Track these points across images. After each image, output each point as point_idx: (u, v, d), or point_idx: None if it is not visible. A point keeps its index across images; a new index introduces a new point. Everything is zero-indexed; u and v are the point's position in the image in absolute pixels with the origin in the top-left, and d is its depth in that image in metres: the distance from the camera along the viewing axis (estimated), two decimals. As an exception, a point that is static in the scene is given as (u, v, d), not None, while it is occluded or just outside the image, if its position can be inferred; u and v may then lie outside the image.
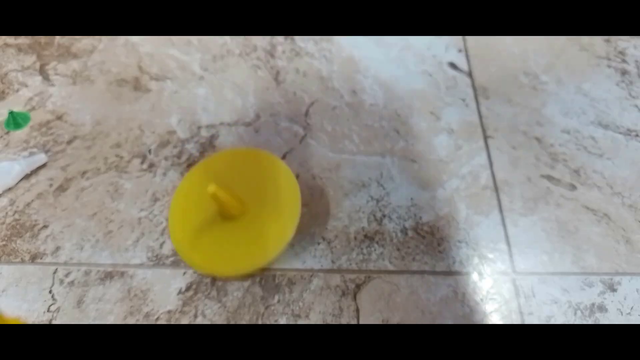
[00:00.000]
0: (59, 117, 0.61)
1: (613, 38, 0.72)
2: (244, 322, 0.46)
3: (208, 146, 0.59)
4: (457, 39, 0.71)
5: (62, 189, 0.55)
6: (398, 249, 0.51)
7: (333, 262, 0.50)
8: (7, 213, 0.53)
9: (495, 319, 0.47)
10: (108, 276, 0.48)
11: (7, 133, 0.59)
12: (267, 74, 0.67)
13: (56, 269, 0.49)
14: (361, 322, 0.46)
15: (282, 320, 0.46)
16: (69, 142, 0.59)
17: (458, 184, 0.56)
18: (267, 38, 0.71)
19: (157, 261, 0.49)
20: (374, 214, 0.53)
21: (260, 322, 0.46)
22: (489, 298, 0.48)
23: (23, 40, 0.70)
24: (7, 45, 0.69)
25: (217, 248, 0.47)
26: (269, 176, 0.52)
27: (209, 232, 0.48)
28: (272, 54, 0.69)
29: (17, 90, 0.64)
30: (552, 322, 0.46)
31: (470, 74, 0.67)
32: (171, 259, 0.50)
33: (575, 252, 0.51)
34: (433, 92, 0.65)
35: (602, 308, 0.47)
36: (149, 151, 0.58)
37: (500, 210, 0.54)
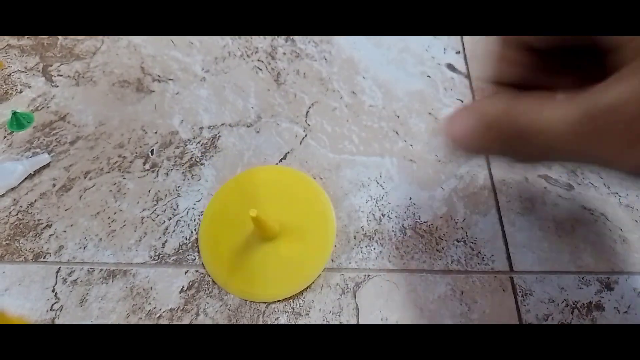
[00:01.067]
0: (62, 118, 0.62)
1: (610, 40, 0.72)
2: (245, 320, 0.46)
3: (210, 146, 0.60)
4: (455, 41, 0.72)
5: (65, 188, 0.55)
6: (397, 248, 0.51)
7: (333, 260, 0.50)
8: (10, 213, 0.53)
9: (493, 317, 0.47)
10: (111, 275, 0.49)
11: (11, 134, 0.60)
12: (268, 75, 0.67)
13: (59, 268, 0.50)
14: (361, 320, 0.47)
15: (283, 319, 0.46)
16: (72, 142, 0.60)
17: (456, 184, 0.57)
18: (268, 40, 0.71)
19: (160, 260, 0.50)
20: (373, 214, 0.54)
21: (261, 321, 0.46)
22: (486, 296, 0.48)
23: (26, 41, 0.70)
24: (10, 46, 0.70)
25: (257, 272, 0.46)
26: (299, 193, 0.52)
27: (246, 255, 0.47)
28: (273, 56, 0.70)
29: (21, 91, 0.64)
30: (550, 320, 0.47)
31: (468, 75, 0.68)
32: (173, 257, 0.50)
33: (573, 251, 0.52)
34: (432, 93, 0.66)
35: (599, 307, 0.48)
36: (152, 152, 0.59)
37: (498, 210, 0.55)
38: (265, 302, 0.46)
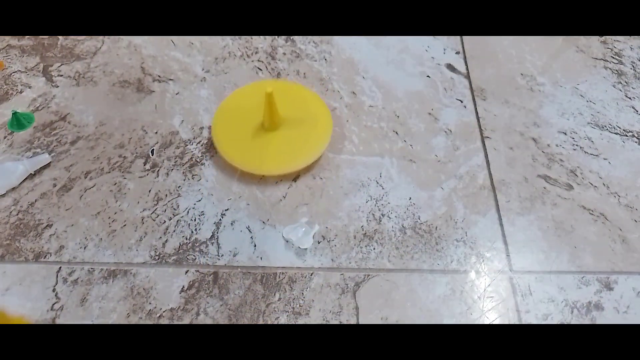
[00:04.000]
0: (63, 118, 0.62)
1: (609, 39, 0.73)
2: (245, 320, 0.46)
3: (210, 147, 0.60)
4: (455, 41, 0.72)
5: (65, 188, 0.56)
6: (397, 248, 0.51)
7: (333, 260, 0.50)
8: (10, 212, 0.54)
9: (492, 317, 0.47)
10: (111, 275, 0.49)
11: (11, 134, 0.60)
12: (268, 75, 0.67)
13: (60, 268, 0.50)
14: (360, 320, 0.47)
15: (283, 318, 0.46)
16: (73, 142, 0.60)
17: (456, 183, 0.57)
18: (268, 40, 0.72)
19: (160, 260, 0.50)
20: (373, 214, 0.54)
21: (261, 320, 0.46)
22: (486, 296, 0.49)
23: (26, 41, 0.71)
24: (10, 46, 0.70)
25: (266, 151, 0.57)
26: (303, 101, 0.61)
27: (253, 138, 0.57)
28: (273, 56, 0.70)
29: (21, 92, 0.65)
30: (549, 320, 0.47)
31: (467, 76, 0.68)
32: (173, 257, 0.50)
33: (572, 251, 0.52)
34: (431, 94, 0.66)
35: (598, 306, 0.48)
36: (152, 152, 0.59)
37: (498, 210, 0.55)
38: (274, 175, 0.56)
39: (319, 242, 0.52)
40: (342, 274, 0.49)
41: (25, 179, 0.56)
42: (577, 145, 0.61)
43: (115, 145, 0.60)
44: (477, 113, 0.64)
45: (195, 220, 0.53)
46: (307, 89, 0.63)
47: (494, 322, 0.47)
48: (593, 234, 0.53)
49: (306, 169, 0.57)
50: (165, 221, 0.53)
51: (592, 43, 0.72)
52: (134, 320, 0.46)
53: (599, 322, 0.47)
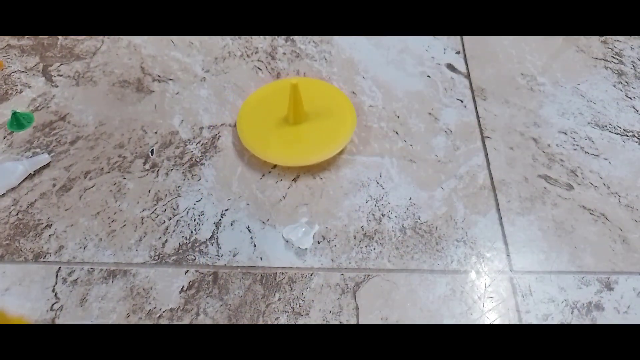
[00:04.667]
0: (62, 118, 0.62)
1: (610, 39, 0.73)
2: (245, 320, 0.46)
3: (210, 146, 0.60)
4: (455, 41, 0.72)
5: (65, 188, 0.55)
6: (397, 248, 0.51)
7: (333, 260, 0.50)
8: (10, 212, 0.54)
9: (493, 317, 0.47)
10: (111, 275, 0.49)
11: (11, 134, 0.60)
12: (268, 75, 0.67)
13: (59, 268, 0.50)
14: (361, 320, 0.47)
15: (283, 318, 0.46)
16: (72, 142, 0.60)
17: (456, 183, 0.57)
18: (268, 40, 0.72)
19: (160, 260, 0.50)
20: (373, 214, 0.54)
21: (261, 320, 0.46)
22: (486, 296, 0.49)
23: (26, 41, 0.70)
24: (10, 46, 0.70)
25: (285, 144, 0.58)
26: (328, 97, 0.62)
27: (277, 132, 0.58)
28: (273, 56, 0.70)
29: (21, 91, 0.65)
30: (550, 320, 0.47)
31: (468, 76, 0.68)
32: (173, 257, 0.50)
33: (572, 251, 0.52)
34: (431, 94, 0.66)
35: (599, 307, 0.48)
36: (152, 152, 0.59)
37: (498, 210, 0.55)
38: (301, 165, 0.57)
39: (319, 242, 0.51)
40: (342, 274, 0.49)
41: (25, 179, 0.56)
42: (577, 145, 0.61)
43: (115, 145, 0.60)
44: (477, 113, 0.64)
45: (195, 220, 0.53)
46: (330, 84, 0.64)
47: (494, 323, 0.47)
48: (593, 234, 0.53)
49: (306, 168, 0.57)
50: (165, 221, 0.53)
51: (592, 43, 0.72)
52: (133, 320, 0.46)
53: (599, 322, 0.47)
